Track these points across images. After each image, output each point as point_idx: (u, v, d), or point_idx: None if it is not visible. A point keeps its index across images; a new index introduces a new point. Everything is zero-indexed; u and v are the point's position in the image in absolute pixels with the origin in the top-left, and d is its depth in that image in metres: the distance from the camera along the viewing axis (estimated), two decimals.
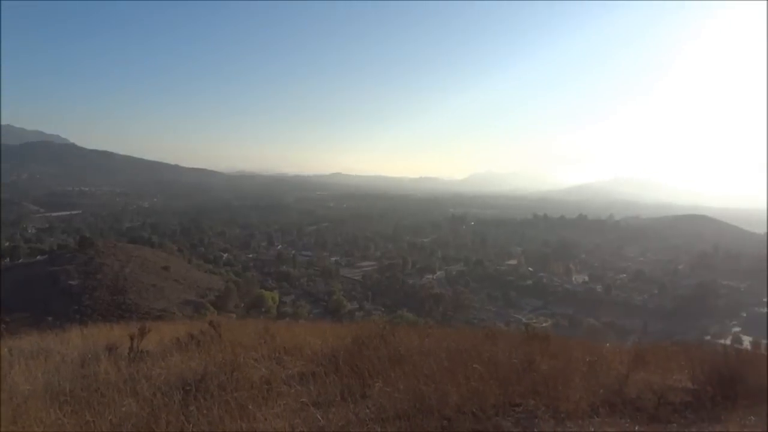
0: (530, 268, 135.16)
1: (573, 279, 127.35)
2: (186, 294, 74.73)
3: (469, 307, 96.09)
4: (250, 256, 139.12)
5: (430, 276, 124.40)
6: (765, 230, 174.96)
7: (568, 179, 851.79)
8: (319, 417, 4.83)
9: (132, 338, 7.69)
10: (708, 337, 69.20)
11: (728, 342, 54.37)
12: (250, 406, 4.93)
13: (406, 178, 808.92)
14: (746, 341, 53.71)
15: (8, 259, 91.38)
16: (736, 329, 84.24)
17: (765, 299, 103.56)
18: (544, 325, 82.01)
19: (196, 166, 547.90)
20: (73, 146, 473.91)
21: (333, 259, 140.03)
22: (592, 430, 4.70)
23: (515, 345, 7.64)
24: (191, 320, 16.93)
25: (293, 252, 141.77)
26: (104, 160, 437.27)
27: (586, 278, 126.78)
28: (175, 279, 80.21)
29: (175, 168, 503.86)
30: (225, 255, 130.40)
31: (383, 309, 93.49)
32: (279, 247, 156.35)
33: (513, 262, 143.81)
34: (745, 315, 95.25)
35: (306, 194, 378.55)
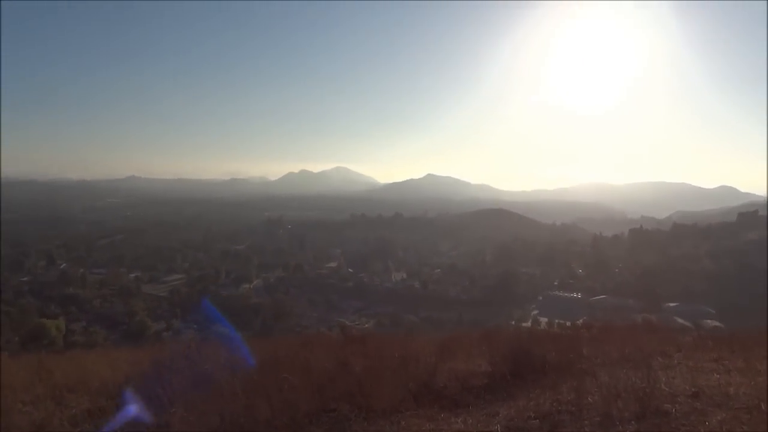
0: (350, 270, 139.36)
1: (392, 277, 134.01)
2: None
3: (290, 315, 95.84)
4: (24, 279, 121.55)
5: (246, 285, 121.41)
6: (553, 221, 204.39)
7: (386, 178, 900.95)
8: None
9: None
10: (513, 322, 78.32)
11: (529, 324, 62.20)
12: None
13: (215, 181, 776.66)
14: (543, 322, 61.91)
15: None
16: (535, 312, 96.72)
17: (556, 282, 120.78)
18: (366, 325, 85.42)
19: None
20: None
21: (132, 275, 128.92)
22: (403, 423, 5.03)
23: (331, 349, 7.86)
24: None
25: (82, 271, 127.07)
26: None
27: (405, 275, 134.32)
28: None
29: None
30: None
31: (196, 326, 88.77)
32: (63, 266, 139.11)
33: (333, 264, 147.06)
34: (541, 299, 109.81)
35: (95, 202, 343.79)
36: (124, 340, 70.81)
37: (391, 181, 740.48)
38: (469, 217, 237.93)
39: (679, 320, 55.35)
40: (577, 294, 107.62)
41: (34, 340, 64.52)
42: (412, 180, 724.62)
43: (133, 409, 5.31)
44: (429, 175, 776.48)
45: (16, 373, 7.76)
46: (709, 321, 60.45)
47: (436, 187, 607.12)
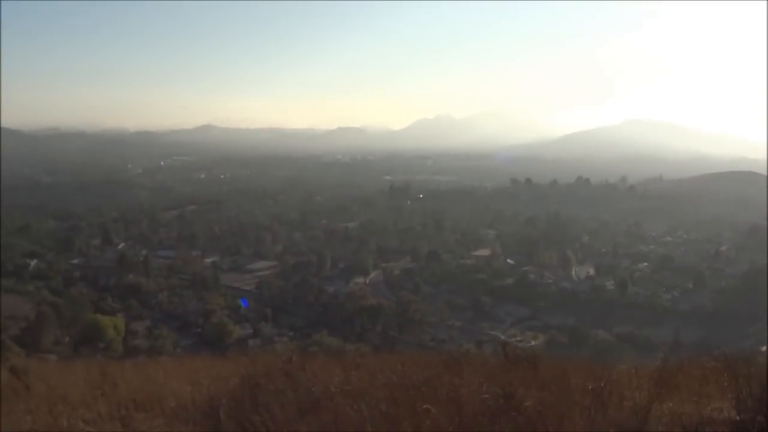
0: (510, 261, 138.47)
1: (573, 273, 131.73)
2: None
3: (421, 323, 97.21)
4: (75, 262, 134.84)
5: (360, 279, 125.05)
6: None
7: (564, 125, 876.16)
8: None
9: None
10: (764, 348, 73.64)
11: None
12: None
13: (316, 131, 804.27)
14: None
15: None
16: None
17: None
18: (532, 343, 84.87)
19: None
20: None
21: (208, 260, 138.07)
22: None
23: (489, 375, 7.89)
24: None
25: (144, 253, 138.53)
26: None
27: (591, 271, 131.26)
28: None
29: None
30: (33, 262, 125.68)
31: (292, 333, 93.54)
32: (121, 246, 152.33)
33: (484, 252, 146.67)
34: None
35: (159, 161, 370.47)
36: (197, 347, 76.39)
37: (570, 131, 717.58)
38: (694, 185, 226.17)
39: None
40: None
41: (88, 342, 71.73)
42: (605, 127, 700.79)
43: None
44: (630, 121, 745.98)
45: (73, 383, 8.66)
46: None
47: (642, 138, 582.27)
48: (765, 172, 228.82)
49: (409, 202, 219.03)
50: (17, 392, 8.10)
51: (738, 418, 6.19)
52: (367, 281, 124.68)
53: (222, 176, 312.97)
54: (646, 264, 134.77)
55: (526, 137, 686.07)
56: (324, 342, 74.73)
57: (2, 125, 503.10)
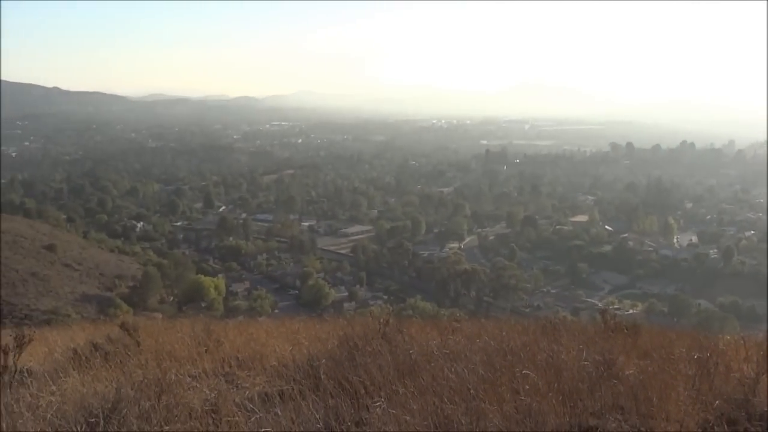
0: (608, 227, 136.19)
1: (675, 241, 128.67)
2: (84, 286, 75.58)
3: (516, 289, 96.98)
4: (179, 224, 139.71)
5: (455, 244, 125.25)
6: None
7: (664, 90, 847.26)
8: None
9: (5, 352, 7.78)
10: None
11: None
12: None
13: (407, 94, 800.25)
14: None
15: None
16: None
17: None
18: (630, 311, 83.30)
19: (86, 89, 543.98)
20: None
21: (305, 224, 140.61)
22: None
23: (587, 342, 7.78)
24: (94, 323, 17.08)
25: (244, 216, 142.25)
26: None
27: (694, 239, 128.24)
28: (66, 263, 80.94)
29: (54, 93, 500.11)
30: (139, 225, 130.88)
31: (386, 296, 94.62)
32: (222, 209, 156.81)
33: (582, 218, 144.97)
34: None
35: (258, 127, 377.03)
36: (294, 309, 78.33)
37: (676, 96, 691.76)
38: None
39: None
40: None
41: (191, 301, 74.56)
42: (711, 93, 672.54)
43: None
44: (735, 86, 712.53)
45: (180, 340, 8.99)
46: None
47: (750, 102, 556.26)
48: None
49: (505, 167, 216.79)
50: (128, 348, 8.47)
51: None
52: (462, 246, 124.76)
53: (319, 141, 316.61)
54: (753, 232, 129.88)
55: (623, 103, 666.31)
56: (418, 306, 75.31)
57: (108, 93, 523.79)
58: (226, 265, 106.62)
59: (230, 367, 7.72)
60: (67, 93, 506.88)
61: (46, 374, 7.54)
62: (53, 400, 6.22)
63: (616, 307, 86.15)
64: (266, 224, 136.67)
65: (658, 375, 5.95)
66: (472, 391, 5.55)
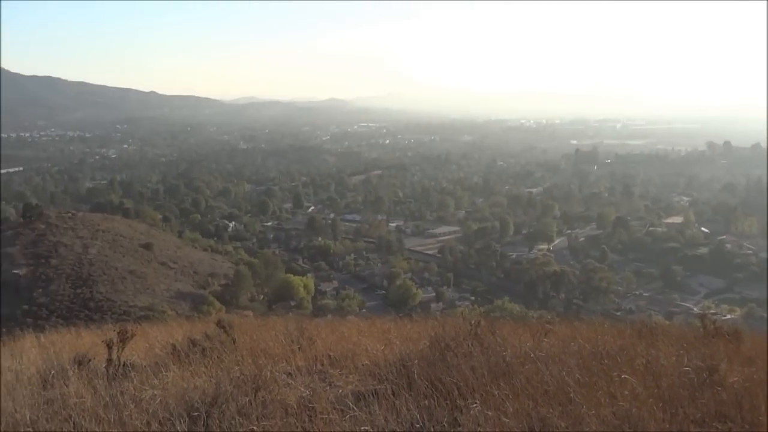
0: (704, 229, 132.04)
1: None
2: (179, 283, 77.91)
3: (607, 292, 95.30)
4: (269, 224, 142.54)
5: (543, 246, 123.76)
6: None
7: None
8: None
9: (110, 346, 8.11)
10: None
11: None
12: None
13: (499, 95, 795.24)
14: None
15: None
16: None
17: None
18: (728, 316, 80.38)
19: (180, 93, 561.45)
20: (5, 73, 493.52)
21: (393, 224, 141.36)
22: None
23: (686, 347, 7.58)
24: (189, 320, 17.65)
25: (332, 216, 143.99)
26: (47, 89, 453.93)
27: None
28: (162, 262, 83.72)
29: (151, 97, 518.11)
30: (231, 224, 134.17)
31: (473, 298, 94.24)
32: (311, 209, 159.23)
33: (676, 219, 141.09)
34: None
35: (347, 128, 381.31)
36: (381, 309, 78.77)
37: None
38: None
39: None
40: None
41: (281, 300, 75.91)
42: None
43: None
44: None
45: (273, 338, 9.19)
46: None
47: None
48: None
49: (595, 167, 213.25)
50: (225, 344, 8.69)
51: None
52: (551, 248, 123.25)
53: (406, 141, 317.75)
54: None
55: (724, 99, 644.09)
56: (506, 308, 74.69)
57: (201, 96, 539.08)
58: (314, 264, 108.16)
59: (323, 365, 7.84)
60: (163, 97, 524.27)
61: (147, 368, 7.83)
62: (156, 393, 6.46)
63: (713, 311, 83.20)
64: (354, 224, 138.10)
65: (764, 383, 5.76)
66: (569, 395, 5.50)
